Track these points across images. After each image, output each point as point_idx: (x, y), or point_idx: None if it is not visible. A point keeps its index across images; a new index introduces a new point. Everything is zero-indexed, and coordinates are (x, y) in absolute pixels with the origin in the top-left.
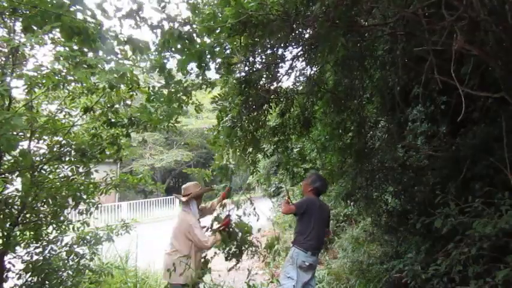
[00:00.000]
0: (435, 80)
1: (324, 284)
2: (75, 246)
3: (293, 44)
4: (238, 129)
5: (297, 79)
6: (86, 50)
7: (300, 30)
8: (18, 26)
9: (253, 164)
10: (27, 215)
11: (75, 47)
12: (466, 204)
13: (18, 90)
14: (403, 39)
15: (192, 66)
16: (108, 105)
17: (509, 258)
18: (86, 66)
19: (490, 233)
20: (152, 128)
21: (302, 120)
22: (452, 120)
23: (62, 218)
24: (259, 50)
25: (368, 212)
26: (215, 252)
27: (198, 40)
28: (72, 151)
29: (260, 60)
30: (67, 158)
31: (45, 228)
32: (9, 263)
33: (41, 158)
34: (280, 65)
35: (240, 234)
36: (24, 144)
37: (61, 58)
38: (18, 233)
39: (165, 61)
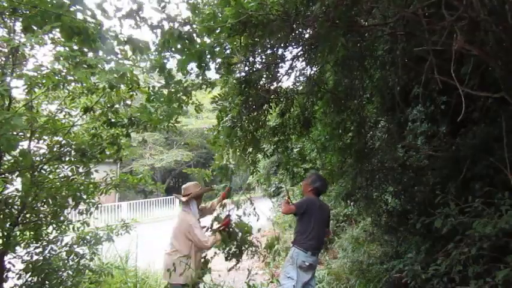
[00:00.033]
0: (435, 80)
1: (324, 284)
2: (75, 246)
3: (293, 44)
4: (238, 129)
5: (297, 79)
6: (86, 50)
7: (300, 30)
8: (18, 26)
9: (253, 164)
10: (27, 215)
11: (75, 47)
12: (466, 204)
13: (18, 90)
14: (403, 39)
15: (192, 66)
16: (108, 105)
17: (509, 258)
18: (86, 66)
19: (490, 233)
20: (152, 128)
21: (302, 120)
22: (452, 120)
23: (62, 218)
24: (259, 50)
25: (368, 212)
26: (215, 252)
27: (198, 40)
28: (72, 151)
29: (260, 60)
30: (67, 158)
31: (45, 228)
32: (9, 263)
33: (41, 158)
34: (280, 65)
35: (240, 234)
36: (24, 144)
37: (61, 58)
38: (18, 233)
39: (165, 61)
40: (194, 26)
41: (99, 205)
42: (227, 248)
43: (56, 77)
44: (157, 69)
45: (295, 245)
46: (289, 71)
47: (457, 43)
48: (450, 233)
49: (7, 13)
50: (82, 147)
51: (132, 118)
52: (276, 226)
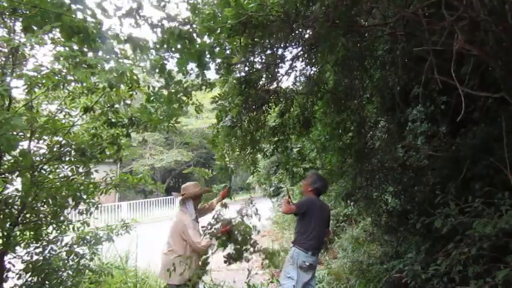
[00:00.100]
0: (435, 80)
1: (324, 284)
2: (75, 246)
3: (293, 44)
4: (238, 129)
5: (297, 79)
6: (85, 49)
7: (300, 30)
8: (18, 26)
9: (253, 164)
10: (27, 215)
11: (75, 47)
12: (466, 204)
13: (18, 90)
14: (403, 39)
15: (192, 66)
16: (108, 104)
17: (509, 258)
18: (85, 66)
19: (490, 233)
20: (152, 128)
21: (302, 120)
22: (452, 120)
23: (62, 218)
24: (259, 50)
25: (368, 212)
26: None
27: (198, 40)
28: (72, 151)
29: (260, 60)
30: (67, 158)
31: (45, 228)
32: (9, 263)
33: (41, 158)
34: (280, 65)
35: (240, 237)
36: (24, 144)
37: (61, 58)
38: (18, 233)
39: (165, 62)
40: (194, 26)
41: (99, 205)
42: (226, 252)
43: (56, 77)
44: (157, 70)
45: (295, 245)
46: (289, 71)
47: (457, 43)
48: (450, 233)
49: (7, 13)
50: (82, 147)
51: (133, 118)
52: (276, 226)
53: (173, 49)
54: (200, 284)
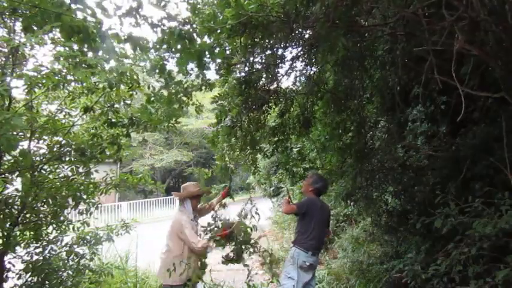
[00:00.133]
0: (435, 80)
1: (324, 284)
2: (75, 246)
3: (293, 44)
4: (238, 129)
5: (297, 79)
6: (85, 49)
7: (300, 30)
8: (18, 26)
9: (253, 164)
10: (27, 215)
11: (75, 47)
12: (466, 204)
13: (18, 90)
14: (403, 39)
15: (192, 67)
16: (108, 104)
17: (509, 258)
18: (85, 66)
19: (490, 233)
20: (152, 128)
21: (302, 120)
22: (452, 120)
23: (62, 218)
24: (259, 51)
25: (368, 212)
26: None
27: (198, 40)
28: (72, 151)
29: (260, 60)
30: (67, 158)
31: (45, 228)
32: (9, 263)
33: (41, 158)
34: (280, 65)
35: (240, 237)
36: (24, 144)
37: (61, 58)
38: (18, 233)
39: (165, 62)
40: (194, 26)
41: (99, 205)
42: (225, 251)
43: (56, 77)
44: (157, 70)
45: (296, 245)
46: (289, 71)
47: (457, 43)
48: (450, 233)
49: (7, 13)
50: (82, 147)
51: (133, 118)
52: (276, 226)
53: (173, 49)
54: (200, 284)
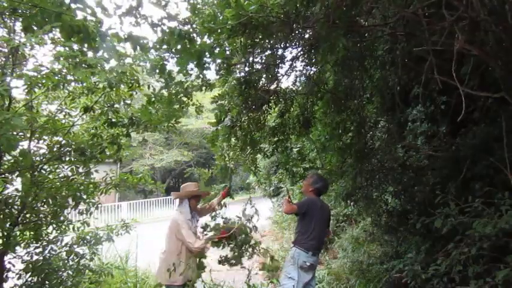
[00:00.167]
0: (435, 80)
1: (324, 284)
2: (75, 246)
3: (293, 44)
4: (237, 129)
5: (297, 79)
6: (85, 49)
7: (300, 30)
8: (18, 26)
9: (253, 164)
10: (27, 215)
11: (75, 47)
12: (466, 204)
13: (18, 90)
14: (403, 39)
15: (193, 67)
16: (108, 104)
17: (509, 258)
18: (85, 66)
19: (490, 233)
20: (152, 128)
21: (302, 120)
22: (452, 120)
23: (62, 218)
24: (259, 51)
25: (368, 212)
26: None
27: (198, 40)
28: (72, 151)
29: (260, 60)
30: (67, 158)
31: (45, 228)
32: (9, 263)
33: (41, 158)
34: (280, 65)
35: (240, 241)
36: (24, 144)
37: (61, 58)
38: (18, 233)
39: (165, 62)
40: (194, 26)
41: (99, 205)
42: (225, 254)
43: (56, 77)
44: (158, 70)
45: (296, 245)
46: (289, 71)
47: (457, 43)
48: (450, 233)
49: (7, 13)
50: (82, 147)
51: (133, 118)
52: (276, 226)
53: (173, 49)
54: (200, 284)
